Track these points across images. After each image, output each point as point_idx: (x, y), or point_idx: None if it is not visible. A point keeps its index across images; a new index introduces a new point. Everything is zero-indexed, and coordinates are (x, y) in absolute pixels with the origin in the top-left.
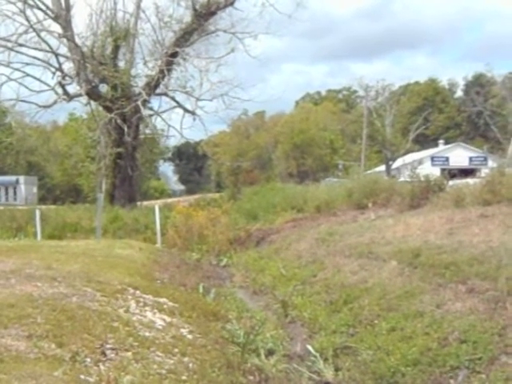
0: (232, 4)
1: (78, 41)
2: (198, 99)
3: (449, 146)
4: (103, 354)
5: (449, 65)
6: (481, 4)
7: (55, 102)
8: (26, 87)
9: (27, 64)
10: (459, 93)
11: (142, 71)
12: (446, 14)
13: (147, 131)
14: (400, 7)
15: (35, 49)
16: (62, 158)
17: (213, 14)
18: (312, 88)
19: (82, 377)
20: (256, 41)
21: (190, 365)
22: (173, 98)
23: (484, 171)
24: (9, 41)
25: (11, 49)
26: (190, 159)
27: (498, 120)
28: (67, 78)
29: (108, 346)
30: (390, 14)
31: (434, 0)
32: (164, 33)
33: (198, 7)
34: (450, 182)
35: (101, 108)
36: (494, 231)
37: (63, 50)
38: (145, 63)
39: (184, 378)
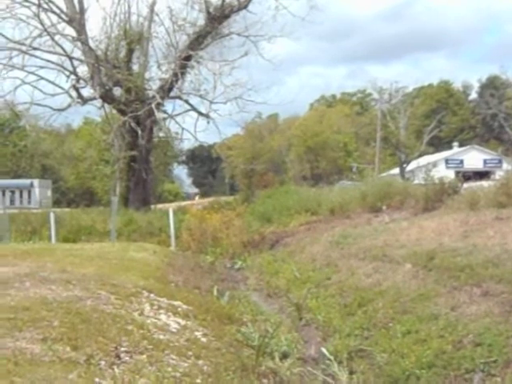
0: (246, 7)
1: (92, 44)
2: (211, 102)
3: (463, 148)
4: (118, 356)
5: (468, 67)
6: (503, 5)
7: (69, 106)
8: (41, 90)
9: (41, 67)
10: (474, 95)
11: (156, 74)
12: (466, 16)
13: (161, 134)
14: (420, 9)
15: (49, 52)
16: (76, 161)
17: (226, 17)
18: (330, 90)
19: (97, 380)
20: (272, 44)
21: (205, 368)
22: (186, 101)
23: (499, 174)
24: (23, 44)
25: (25, 52)
26: (204, 162)
27: None
28: (81, 81)
29: (122, 348)
30: (410, 16)
31: (455, 2)
32: (178, 36)
33: (211, 10)
34: (465, 185)
35: (115, 111)
36: (509, 234)
37: (77, 53)
38: (159, 66)
39: (198, 381)
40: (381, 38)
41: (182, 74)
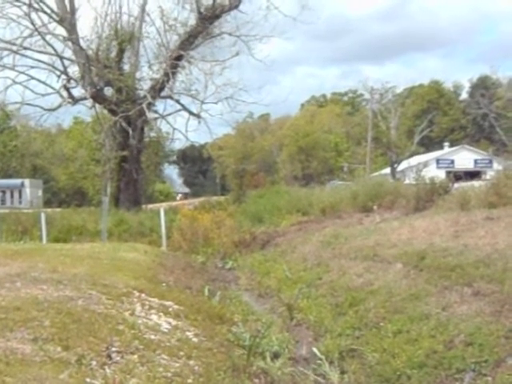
0: (237, 7)
1: (82, 44)
2: (202, 102)
3: (454, 148)
4: (109, 357)
5: (462, 67)
6: (496, 6)
7: (60, 106)
8: (31, 90)
9: (32, 67)
10: (464, 95)
11: (147, 74)
12: (461, 17)
13: (152, 134)
14: (415, 10)
15: (40, 52)
16: (67, 161)
17: (217, 17)
18: (324, 91)
19: (88, 380)
20: (264, 44)
21: (196, 368)
22: (178, 101)
23: (489, 174)
24: (14, 44)
25: (16, 52)
26: (195, 162)
27: (503, 122)
28: (72, 81)
29: (113, 349)
30: (404, 16)
31: (449, 2)
32: (169, 36)
33: (202, 10)
34: (456, 185)
35: (106, 111)
36: (499, 234)
37: (68, 53)
38: (150, 66)
39: (190, 381)
40: (375, 38)
41: (173, 73)
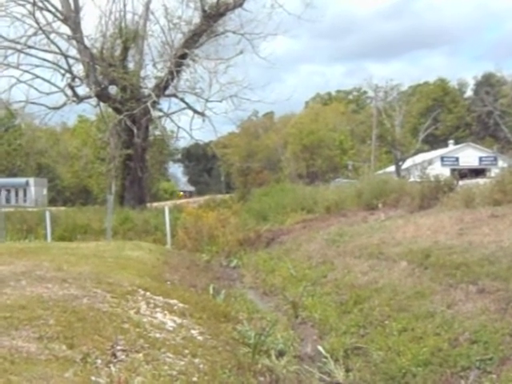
0: (241, 5)
1: (87, 43)
2: (207, 100)
3: (459, 146)
4: (114, 355)
5: (468, 65)
6: (502, 3)
7: (65, 104)
8: (36, 89)
9: (37, 66)
10: (469, 93)
11: (152, 73)
12: (465, 14)
13: (157, 133)
14: (420, 7)
15: (45, 51)
16: (71, 159)
17: (222, 15)
18: (329, 89)
19: (93, 378)
20: (269, 42)
21: (201, 366)
22: (182, 100)
23: (494, 171)
24: (18, 43)
25: (21, 51)
26: (200, 160)
27: (508, 120)
28: (77, 79)
29: (119, 347)
30: (410, 13)
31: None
32: (173, 34)
33: (206, 8)
34: (460, 182)
35: (110, 110)
36: (504, 231)
37: (72, 51)
38: (154, 65)
39: (195, 379)
40: (380, 36)
41: (178, 72)
